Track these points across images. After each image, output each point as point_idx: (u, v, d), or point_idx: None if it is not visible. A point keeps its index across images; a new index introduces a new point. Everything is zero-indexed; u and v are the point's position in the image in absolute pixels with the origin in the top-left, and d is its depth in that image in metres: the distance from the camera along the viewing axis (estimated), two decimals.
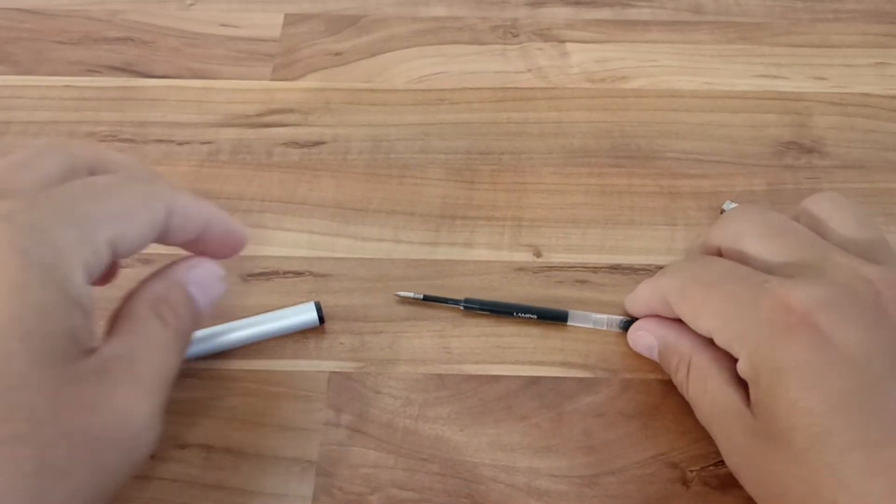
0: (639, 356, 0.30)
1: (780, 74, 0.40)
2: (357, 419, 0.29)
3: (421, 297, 0.31)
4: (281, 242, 0.34)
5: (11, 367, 0.19)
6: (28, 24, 0.42)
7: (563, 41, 0.41)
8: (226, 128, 0.38)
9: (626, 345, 0.31)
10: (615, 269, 0.33)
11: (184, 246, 0.26)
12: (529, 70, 0.40)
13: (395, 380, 0.30)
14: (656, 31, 0.42)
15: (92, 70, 0.40)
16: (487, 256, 0.33)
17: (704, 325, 0.26)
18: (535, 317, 0.31)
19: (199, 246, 0.26)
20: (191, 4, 0.43)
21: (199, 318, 0.26)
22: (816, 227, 0.28)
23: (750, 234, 0.28)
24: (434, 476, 0.28)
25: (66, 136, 0.37)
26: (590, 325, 0.31)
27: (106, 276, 0.25)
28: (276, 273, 0.33)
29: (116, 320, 0.23)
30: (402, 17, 0.43)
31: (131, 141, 0.37)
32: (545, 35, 0.42)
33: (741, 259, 0.27)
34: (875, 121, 0.38)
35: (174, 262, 0.26)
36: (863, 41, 0.41)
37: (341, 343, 0.31)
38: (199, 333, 0.30)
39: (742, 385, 0.25)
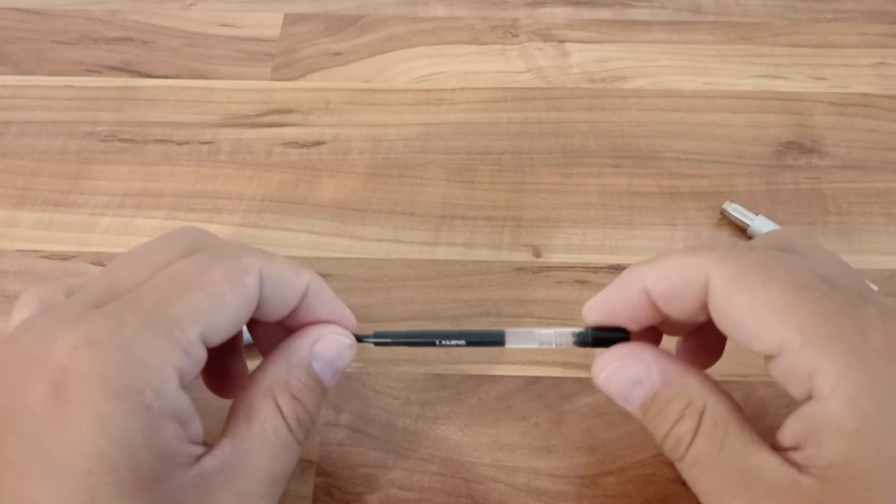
0: None
1: (780, 74, 0.40)
2: (357, 419, 0.29)
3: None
4: (281, 242, 0.34)
5: (98, 500, 0.18)
6: (28, 24, 0.42)
7: (563, 41, 0.41)
8: (225, 128, 0.38)
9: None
10: (615, 269, 0.33)
11: (283, 321, 0.24)
12: (529, 70, 0.40)
13: (394, 380, 0.30)
14: (656, 31, 0.42)
15: (92, 70, 0.40)
16: (487, 256, 0.33)
17: (775, 337, 0.19)
18: (463, 343, 0.24)
19: (297, 321, 0.24)
20: (191, 4, 0.43)
21: (324, 398, 0.23)
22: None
23: (811, 248, 0.22)
24: (434, 476, 0.28)
25: (66, 136, 0.37)
26: (534, 346, 0.24)
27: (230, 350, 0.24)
28: None
29: (233, 416, 0.22)
30: (402, 17, 0.43)
31: (131, 141, 0.37)
32: (545, 35, 0.42)
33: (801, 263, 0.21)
34: (875, 121, 0.38)
35: (297, 335, 0.23)
36: (863, 41, 0.41)
37: None
38: None
39: (775, 450, 0.20)
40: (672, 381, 0.21)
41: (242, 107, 0.39)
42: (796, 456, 0.19)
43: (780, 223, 0.33)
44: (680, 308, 0.21)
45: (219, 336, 0.21)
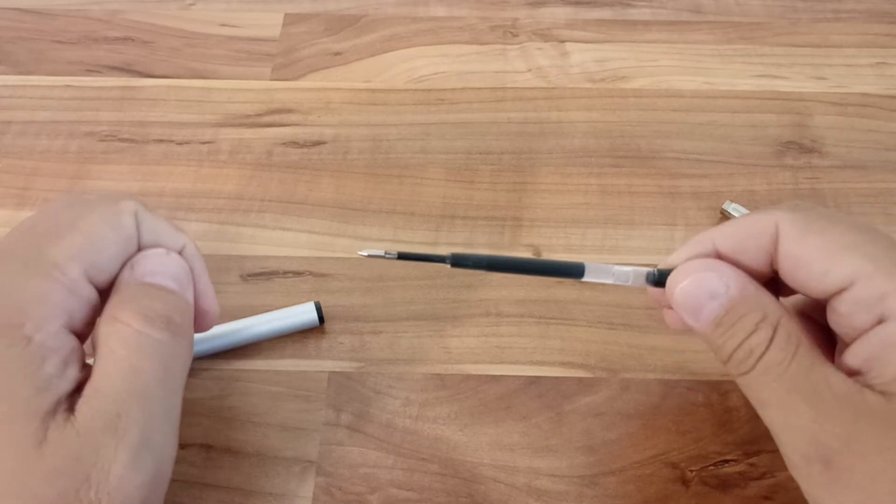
0: (639, 355, 0.30)
1: (780, 74, 0.40)
2: (357, 419, 0.29)
3: (395, 255, 0.25)
4: (281, 242, 0.34)
5: None
6: (28, 24, 0.42)
7: (563, 41, 0.41)
8: (225, 127, 0.38)
9: (627, 344, 0.31)
10: None
11: None
12: (529, 70, 0.40)
13: (394, 380, 0.30)
14: (656, 31, 0.42)
15: (92, 70, 0.40)
16: None
17: (844, 269, 0.20)
18: (540, 272, 0.26)
19: None
20: (191, 4, 0.43)
21: (176, 299, 0.24)
22: None
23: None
24: (434, 476, 0.28)
25: (66, 136, 0.37)
26: (609, 281, 0.25)
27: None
28: (275, 273, 0.33)
29: (98, 337, 0.22)
30: (402, 16, 0.43)
31: (131, 141, 0.37)
32: (545, 35, 0.42)
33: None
34: (875, 121, 0.38)
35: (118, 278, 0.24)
36: (863, 41, 0.41)
37: (341, 343, 0.31)
38: (199, 335, 0.29)
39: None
40: (749, 295, 0.22)
41: (242, 107, 0.39)
42: (860, 378, 0.21)
43: None
44: (746, 263, 0.22)
45: (104, 274, 0.22)
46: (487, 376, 0.30)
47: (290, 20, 0.43)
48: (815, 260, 0.21)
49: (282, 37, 0.42)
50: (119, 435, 0.20)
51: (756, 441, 0.28)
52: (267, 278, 0.33)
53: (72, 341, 0.21)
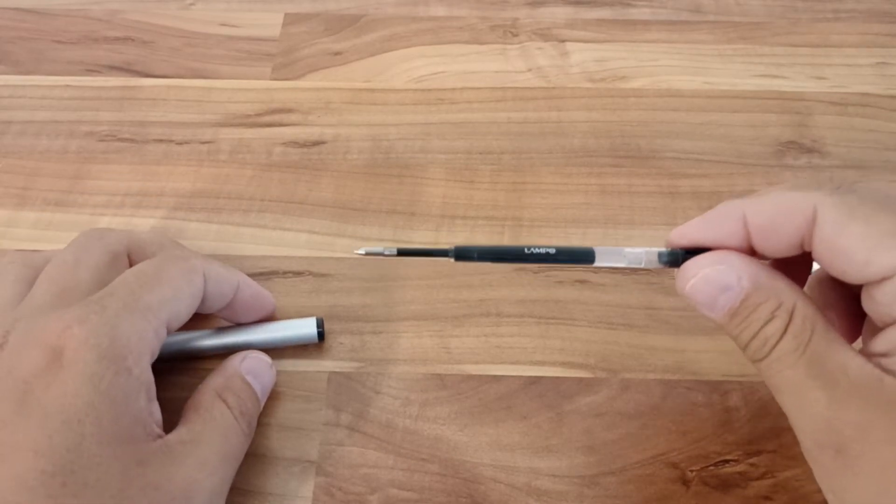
0: (639, 355, 0.30)
1: (780, 74, 0.40)
2: (357, 419, 0.29)
3: (394, 251, 0.25)
4: (280, 242, 0.34)
5: (84, 447, 0.22)
6: (28, 24, 0.42)
7: (563, 41, 0.41)
8: (225, 127, 0.38)
9: (627, 344, 0.31)
10: (615, 269, 0.33)
11: (219, 312, 0.29)
12: (529, 70, 0.40)
13: (394, 380, 0.30)
14: (656, 30, 0.42)
15: (92, 70, 0.40)
16: None
17: (887, 259, 0.20)
18: (552, 256, 0.24)
19: (231, 312, 0.29)
20: (191, 4, 0.43)
21: (258, 403, 0.28)
22: None
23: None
24: (434, 476, 0.28)
25: (66, 135, 0.37)
26: (622, 264, 0.24)
27: None
28: (275, 273, 0.33)
29: (186, 411, 0.26)
30: (402, 16, 0.43)
31: (131, 141, 0.37)
32: (545, 35, 0.42)
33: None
34: (875, 120, 0.38)
35: (229, 358, 0.28)
36: (863, 41, 0.41)
37: (341, 343, 0.31)
38: (198, 333, 0.30)
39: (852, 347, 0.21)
40: (763, 285, 0.22)
41: (242, 106, 0.39)
42: (884, 361, 0.20)
43: None
44: (777, 242, 0.22)
45: (178, 322, 0.26)
46: (487, 376, 0.30)
47: (290, 20, 0.43)
48: (857, 249, 0.20)
49: (282, 37, 0.42)
50: (204, 476, 0.24)
51: (756, 441, 0.28)
52: (267, 278, 0.33)
53: (151, 377, 0.24)
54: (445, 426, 0.29)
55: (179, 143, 0.37)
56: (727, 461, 0.28)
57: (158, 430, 0.24)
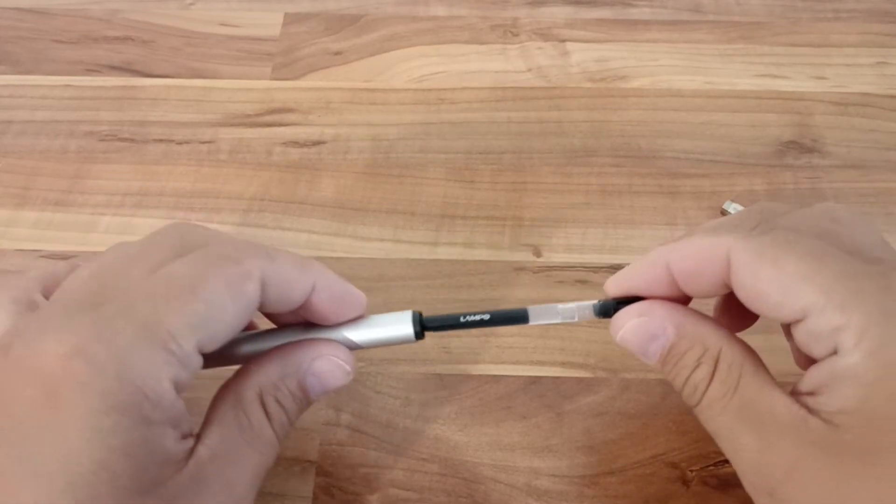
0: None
1: (780, 74, 0.40)
2: (357, 419, 0.29)
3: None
4: (280, 242, 0.34)
5: None
6: (28, 24, 0.42)
7: (564, 40, 0.41)
8: (225, 127, 0.38)
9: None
10: (615, 268, 0.33)
11: (289, 314, 0.24)
12: (530, 69, 0.40)
13: (395, 379, 0.30)
14: (656, 30, 0.42)
15: (92, 69, 0.40)
16: (487, 256, 0.33)
17: (799, 301, 0.20)
18: (487, 320, 0.24)
19: (305, 312, 0.23)
20: (191, 4, 0.43)
21: (306, 409, 0.24)
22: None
23: (849, 212, 0.23)
24: (434, 476, 0.28)
25: (66, 135, 0.37)
26: (557, 321, 0.24)
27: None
28: None
29: (220, 404, 0.22)
30: (402, 16, 0.43)
31: (131, 140, 0.37)
32: (545, 34, 0.42)
33: (834, 232, 0.22)
34: (875, 120, 0.38)
35: (297, 344, 0.23)
36: (863, 41, 0.41)
37: None
38: (251, 335, 0.25)
39: (780, 388, 0.21)
40: (687, 333, 0.22)
41: (242, 106, 0.39)
42: (810, 400, 0.20)
43: None
44: (700, 285, 0.22)
45: (216, 343, 0.21)
46: (488, 376, 0.30)
47: (290, 20, 0.43)
48: (769, 292, 0.20)
49: (282, 36, 0.42)
50: (233, 502, 0.21)
51: None
52: None
53: (180, 406, 0.20)
54: (445, 426, 0.29)
55: (179, 143, 0.37)
56: (727, 461, 0.28)
57: (189, 445, 0.21)
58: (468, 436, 0.29)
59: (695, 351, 0.22)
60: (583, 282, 0.32)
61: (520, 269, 0.33)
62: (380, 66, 0.40)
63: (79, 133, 0.38)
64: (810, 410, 0.20)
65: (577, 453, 0.28)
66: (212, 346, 0.21)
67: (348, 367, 0.24)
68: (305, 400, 0.24)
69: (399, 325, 0.24)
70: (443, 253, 0.33)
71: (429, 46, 0.41)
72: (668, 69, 0.40)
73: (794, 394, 0.21)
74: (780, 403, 0.20)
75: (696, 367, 0.22)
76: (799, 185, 0.35)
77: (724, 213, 0.34)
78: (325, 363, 0.23)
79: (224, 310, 0.20)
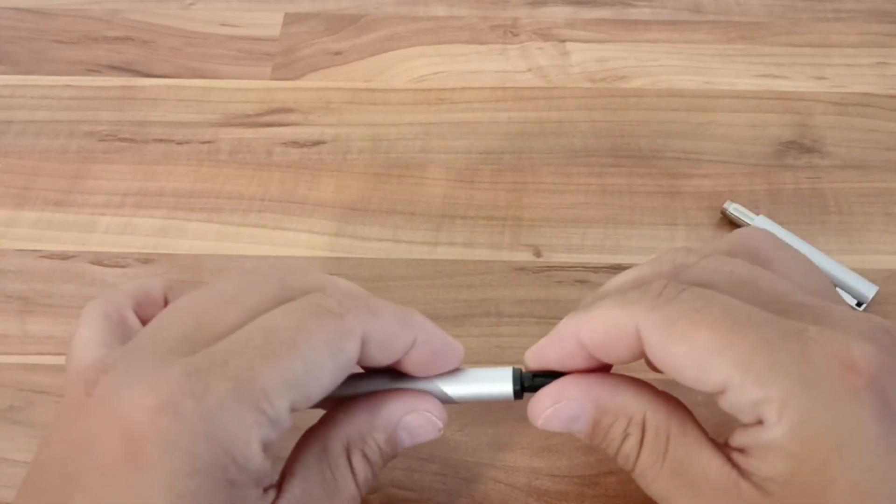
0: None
1: (780, 74, 0.40)
2: None
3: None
4: (281, 242, 0.34)
5: None
6: (28, 24, 0.42)
7: (564, 41, 0.41)
8: (225, 127, 0.38)
9: None
10: (615, 269, 0.33)
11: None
12: (530, 69, 0.40)
13: None
14: (656, 30, 0.42)
15: (92, 70, 0.40)
16: (487, 256, 0.33)
17: (715, 377, 0.19)
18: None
19: (399, 363, 0.22)
20: (191, 4, 0.43)
21: (391, 461, 0.23)
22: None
23: (777, 249, 0.22)
24: (434, 476, 0.28)
25: (66, 135, 0.37)
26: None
27: None
28: None
29: (304, 453, 0.21)
30: (402, 16, 0.43)
31: (131, 140, 0.37)
32: (545, 34, 0.42)
33: (751, 279, 0.21)
34: (875, 120, 0.38)
35: (389, 395, 0.22)
36: (863, 41, 0.41)
37: None
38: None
39: (718, 447, 0.21)
40: (607, 408, 0.21)
41: (242, 106, 0.39)
42: (741, 459, 0.20)
43: (780, 223, 0.33)
44: (615, 356, 0.21)
45: (309, 403, 0.20)
46: None
47: (290, 20, 0.43)
48: (683, 368, 0.20)
49: (282, 36, 0.42)
50: None
51: None
52: None
53: (266, 466, 0.19)
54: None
55: (179, 143, 0.37)
56: None
57: (270, 499, 0.20)
58: (468, 436, 0.29)
59: (620, 423, 0.21)
60: (583, 282, 0.32)
61: (520, 269, 0.33)
62: (380, 66, 0.40)
63: (79, 133, 0.38)
64: (741, 472, 0.19)
65: (577, 453, 0.28)
66: (305, 406, 0.20)
67: (441, 424, 0.22)
68: (392, 454, 0.23)
69: (499, 384, 0.23)
70: (443, 253, 0.33)
71: (429, 46, 0.41)
72: (668, 69, 0.40)
73: (726, 447, 0.20)
74: (712, 466, 0.20)
75: (625, 438, 0.21)
76: (799, 185, 0.35)
77: (724, 212, 0.34)
78: (419, 418, 0.22)
79: (322, 368, 0.19)
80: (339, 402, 0.23)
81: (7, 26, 0.42)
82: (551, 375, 0.22)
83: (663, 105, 0.39)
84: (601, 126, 0.38)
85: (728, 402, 0.19)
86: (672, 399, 0.22)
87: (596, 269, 0.33)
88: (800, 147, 0.37)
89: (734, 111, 0.38)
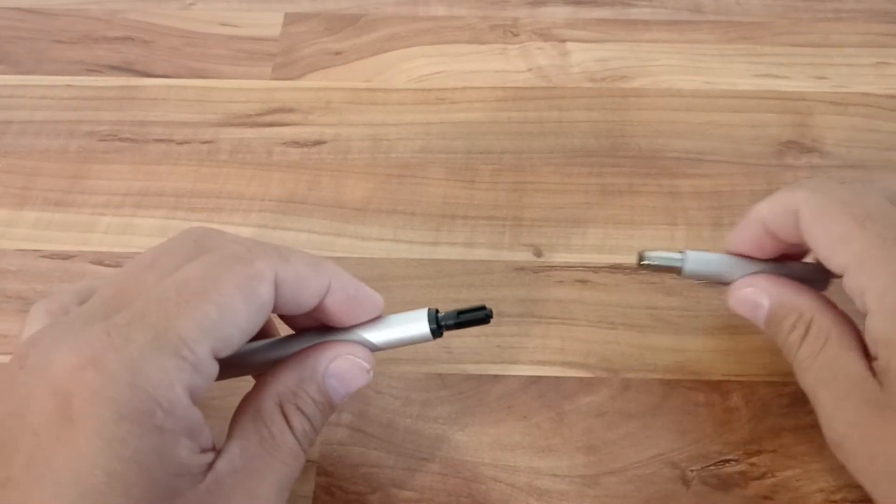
0: (639, 355, 0.30)
1: (780, 74, 0.40)
2: (357, 418, 0.29)
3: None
4: (281, 242, 0.34)
5: None
6: (28, 24, 0.42)
7: (564, 40, 0.41)
8: (226, 127, 0.38)
9: (628, 344, 0.31)
10: (616, 268, 0.33)
11: (305, 318, 0.24)
12: (530, 69, 0.40)
13: (395, 379, 0.30)
14: (657, 30, 0.42)
15: (92, 70, 0.40)
16: (488, 256, 0.33)
17: (839, 260, 0.23)
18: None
19: (321, 315, 0.23)
20: (191, 4, 0.43)
21: (331, 413, 0.24)
22: None
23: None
24: (434, 476, 0.28)
25: (67, 135, 0.37)
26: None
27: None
28: None
29: (240, 417, 0.22)
30: (402, 16, 0.43)
31: (131, 140, 0.37)
32: (545, 34, 0.42)
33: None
34: (875, 120, 0.38)
35: (313, 347, 0.23)
36: (863, 41, 0.41)
37: None
38: (264, 343, 0.25)
39: (865, 353, 0.23)
40: (784, 302, 0.25)
41: (243, 106, 0.39)
42: (874, 364, 0.23)
43: None
44: (787, 234, 0.25)
45: (230, 348, 0.21)
46: (488, 376, 0.30)
47: (291, 20, 0.43)
48: (819, 246, 0.23)
49: (282, 36, 0.42)
50: None
51: (757, 441, 0.28)
52: None
53: (196, 415, 0.20)
54: (446, 426, 0.29)
55: (180, 143, 0.37)
56: (727, 461, 0.28)
57: (209, 459, 0.20)
58: (468, 436, 0.29)
59: (791, 318, 0.25)
60: (583, 282, 0.32)
61: (520, 269, 0.33)
62: (380, 66, 0.40)
63: (79, 133, 0.38)
64: (873, 373, 0.22)
65: (577, 453, 0.28)
66: (226, 351, 0.20)
67: (367, 365, 0.23)
68: (328, 405, 0.23)
69: (416, 324, 0.24)
70: (443, 253, 0.33)
71: (429, 46, 0.41)
72: (668, 69, 0.40)
73: (871, 357, 0.23)
74: (855, 365, 0.23)
75: (792, 330, 0.25)
76: None
77: (642, 264, 0.27)
78: (343, 363, 0.23)
79: (237, 312, 0.20)
80: (272, 366, 0.23)
81: (7, 26, 0.42)
82: (479, 310, 0.24)
83: (663, 105, 0.39)
84: (601, 126, 0.38)
85: (847, 286, 0.23)
86: (840, 311, 0.25)
87: (596, 269, 0.33)
88: (800, 147, 0.37)
89: (734, 111, 0.38)
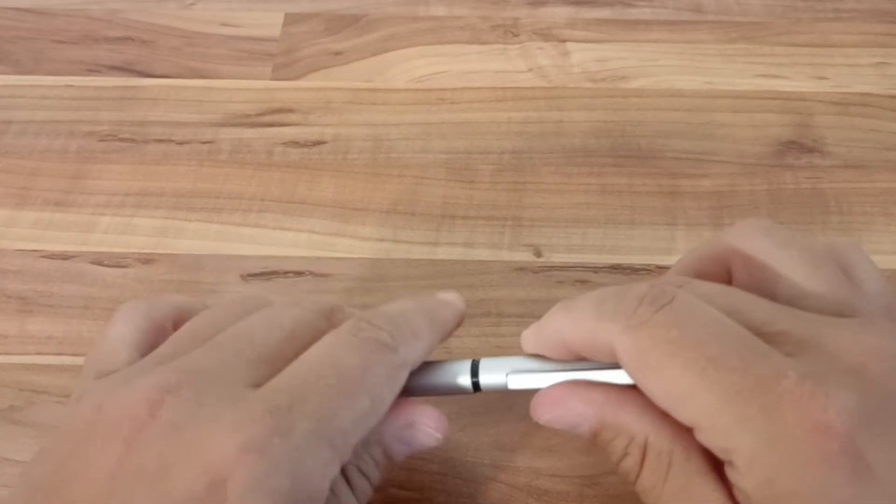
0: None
1: (780, 74, 0.40)
2: None
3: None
4: (281, 242, 0.34)
5: None
6: (28, 24, 0.42)
7: (564, 41, 0.41)
8: (226, 127, 0.38)
9: None
10: (616, 268, 0.33)
11: None
12: (530, 69, 0.40)
13: None
14: (657, 30, 0.42)
15: (92, 70, 0.40)
16: (487, 256, 0.33)
17: (685, 416, 0.19)
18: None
19: None
20: (191, 4, 0.43)
21: (391, 470, 0.23)
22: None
23: (788, 247, 0.22)
24: (434, 476, 0.28)
25: (67, 135, 0.37)
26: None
27: None
28: (276, 273, 0.33)
29: None
30: (403, 16, 0.43)
31: (131, 140, 0.37)
32: (546, 34, 0.42)
33: (761, 280, 0.21)
34: (876, 120, 0.38)
35: (392, 411, 0.22)
36: (864, 41, 0.41)
37: None
38: None
39: (720, 473, 0.20)
40: (608, 423, 0.21)
41: (243, 106, 0.39)
42: (739, 495, 0.19)
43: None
44: (601, 359, 0.21)
45: (366, 435, 0.20)
46: None
47: (291, 20, 0.43)
48: (654, 397, 0.20)
49: (282, 36, 0.42)
50: None
51: None
52: (267, 278, 0.33)
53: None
54: None
55: (179, 143, 0.37)
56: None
57: None
58: (468, 436, 0.29)
59: (621, 440, 0.21)
60: (583, 282, 0.32)
61: (520, 269, 0.33)
62: (380, 66, 0.40)
63: (79, 133, 0.38)
64: (736, 501, 0.19)
65: (577, 453, 0.28)
66: (362, 437, 0.20)
67: (438, 436, 0.22)
68: (390, 465, 0.23)
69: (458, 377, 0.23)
70: (443, 253, 0.33)
71: (429, 46, 0.41)
72: (668, 69, 0.40)
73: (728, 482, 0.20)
74: (713, 496, 0.19)
75: (624, 455, 0.21)
76: (799, 185, 0.35)
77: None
78: (416, 434, 0.22)
79: (385, 403, 0.20)
80: None
81: (7, 26, 0.42)
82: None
83: (664, 105, 0.38)
84: (601, 126, 0.38)
85: (700, 440, 0.19)
86: (678, 426, 0.20)
87: (596, 269, 0.33)
88: (800, 147, 0.37)
89: (734, 111, 0.38)
